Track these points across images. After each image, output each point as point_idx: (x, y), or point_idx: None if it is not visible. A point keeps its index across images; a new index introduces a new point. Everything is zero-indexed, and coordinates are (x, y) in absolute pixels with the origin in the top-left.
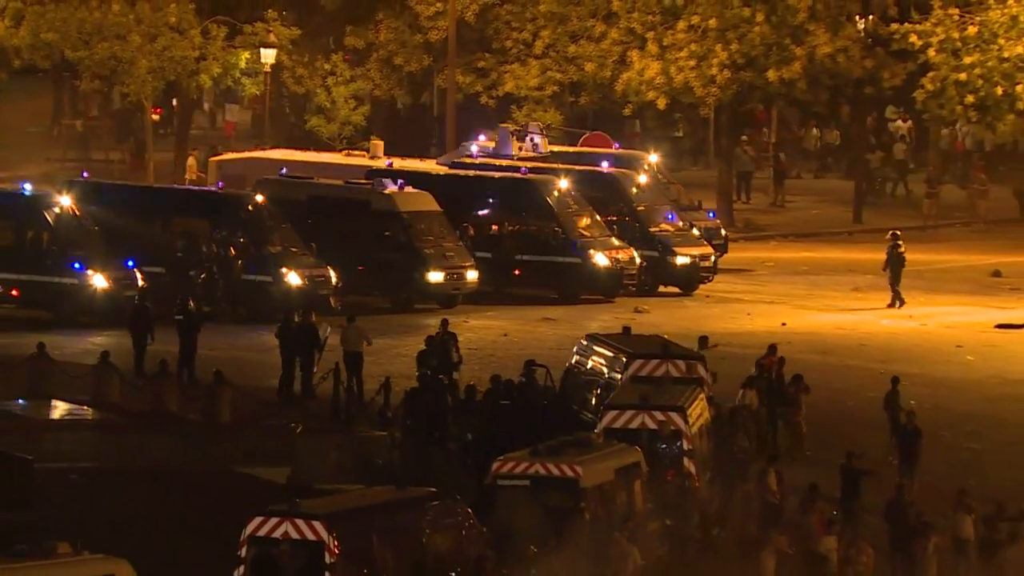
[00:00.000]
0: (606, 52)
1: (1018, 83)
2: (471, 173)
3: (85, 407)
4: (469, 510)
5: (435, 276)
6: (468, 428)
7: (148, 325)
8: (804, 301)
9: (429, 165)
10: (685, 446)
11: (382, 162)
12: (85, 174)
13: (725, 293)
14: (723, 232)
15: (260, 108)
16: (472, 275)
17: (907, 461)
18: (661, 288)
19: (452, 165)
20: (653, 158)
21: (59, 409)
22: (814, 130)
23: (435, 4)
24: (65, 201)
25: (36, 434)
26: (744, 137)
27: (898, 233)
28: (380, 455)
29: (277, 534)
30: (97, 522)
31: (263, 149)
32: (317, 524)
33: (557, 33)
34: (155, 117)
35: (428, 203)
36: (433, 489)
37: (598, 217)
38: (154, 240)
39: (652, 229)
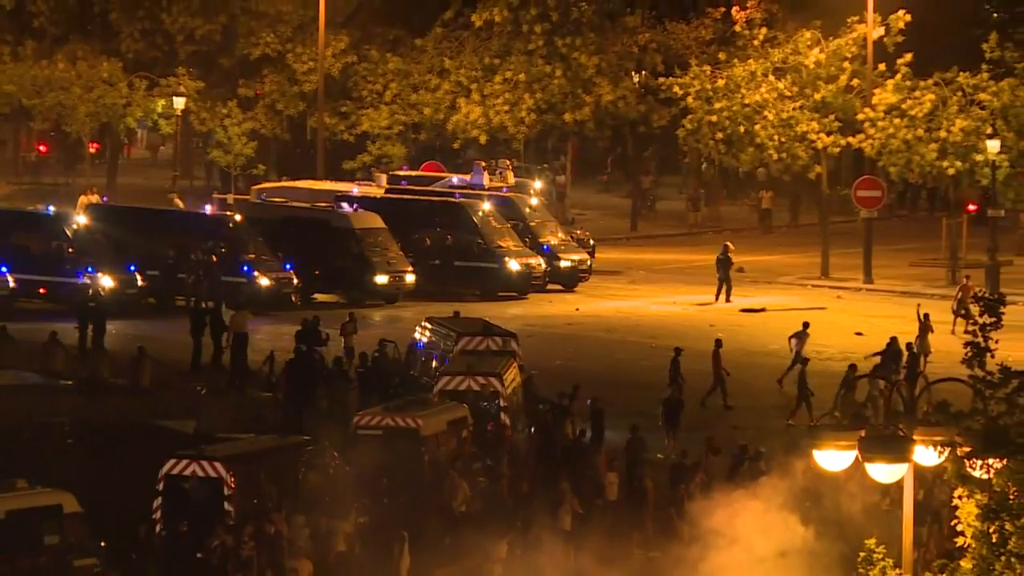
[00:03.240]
0: (440, 99)
1: (756, 123)
2: (423, 198)
3: (36, 375)
4: (336, 453)
5: (381, 279)
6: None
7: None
8: (592, 291)
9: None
10: (501, 403)
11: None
12: (105, 198)
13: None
14: (591, 242)
15: (173, 142)
16: (410, 278)
17: (670, 423)
18: (550, 286)
19: (387, 191)
20: (537, 184)
21: (15, 376)
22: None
23: (308, 63)
24: (81, 219)
25: None
26: (545, 165)
27: (729, 245)
28: (266, 412)
29: (187, 472)
30: (47, 463)
31: (293, 180)
32: (218, 464)
33: (402, 85)
34: (92, 150)
35: (376, 221)
36: (307, 437)
37: (513, 232)
38: (156, 251)
39: (541, 240)
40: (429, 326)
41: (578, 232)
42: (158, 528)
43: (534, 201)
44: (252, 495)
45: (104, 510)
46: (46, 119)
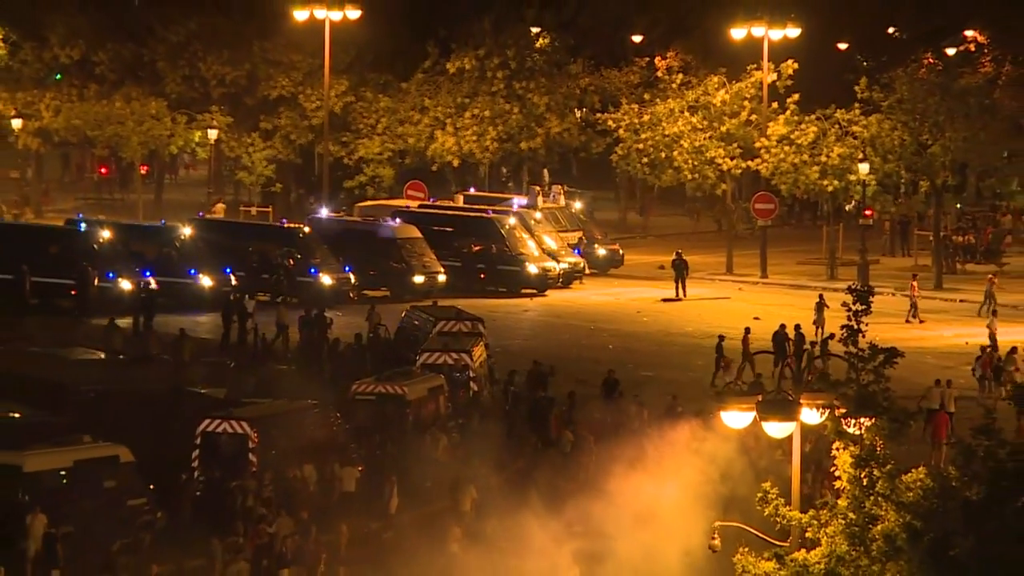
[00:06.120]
0: (421, 131)
1: (674, 150)
2: (460, 214)
3: (99, 351)
4: (337, 414)
5: (419, 279)
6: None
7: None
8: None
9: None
10: (471, 374)
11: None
12: (201, 214)
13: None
14: (621, 252)
15: (207, 166)
16: (442, 278)
17: (608, 396)
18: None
19: (420, 206)
20: (578, 204)
21: (82, 352)
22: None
23: (315, 102)
24: (187, 231)
25: (68, 368)
26: (510, 184)
27: (680, 251)
28: (282, 381)
29: (219, 430)
30: (106, 422)
31: (384, 200)
32: (244, 423)
33: (391, 119)
34: (143, 171)
35: (414, 232)
36: (314, 401)
37: (534, 241)
38: (244, 256)
39: (543, 246)
40: (413, 312)
41: (598, 237)
42: (195, 475)
43: (538, 215)
44: (271, 448)
45: (152, 460)
46: (105, 147)
